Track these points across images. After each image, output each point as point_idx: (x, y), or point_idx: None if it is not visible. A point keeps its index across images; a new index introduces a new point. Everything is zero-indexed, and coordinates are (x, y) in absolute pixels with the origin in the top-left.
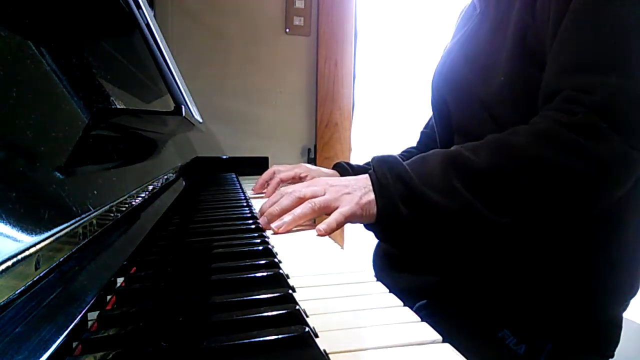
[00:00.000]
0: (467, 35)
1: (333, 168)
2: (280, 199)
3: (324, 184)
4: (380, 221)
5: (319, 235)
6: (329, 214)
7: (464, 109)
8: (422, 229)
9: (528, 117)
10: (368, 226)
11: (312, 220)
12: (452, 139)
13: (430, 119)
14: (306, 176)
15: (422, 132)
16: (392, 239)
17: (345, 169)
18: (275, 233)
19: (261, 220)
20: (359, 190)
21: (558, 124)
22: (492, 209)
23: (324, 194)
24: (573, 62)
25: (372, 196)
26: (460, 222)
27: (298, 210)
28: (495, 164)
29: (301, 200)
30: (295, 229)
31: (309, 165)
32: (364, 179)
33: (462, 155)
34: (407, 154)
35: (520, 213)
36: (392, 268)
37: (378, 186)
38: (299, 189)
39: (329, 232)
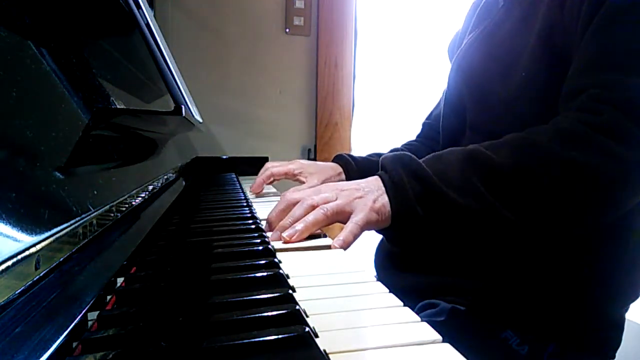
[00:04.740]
0: (488, 30)
1: (334, 160)
2: (293, 210)
3: (333, 188)
4: (395, 224)
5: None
6: (341, 221)
7: (481, 104)
8: (438, 230)
9: (547, 115)
10: (379, 230)
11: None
12: (462, 134)
13: (434, 109)
14: (300, 173)
15: (424, 123)
16: (405, 242)
17: (347, 161)
18: (286, 242)
19: (272, 235)
20: (372, 193)
21: (582, 123)
22: (513, 210)
23: (336, 199)
24: (599, 60)
25: (386, 198)
26: (479, 222)
27: (310, 217)
28: (518, 163)
29: (312, 208)
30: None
31: (304, 161)
32: (375, 181)
33: (482, 154)
34: (409, 147)
35: (543, 215)
36: (395, 267)
37: (391, 186)
38: (309, 196)
39: (347, 247)
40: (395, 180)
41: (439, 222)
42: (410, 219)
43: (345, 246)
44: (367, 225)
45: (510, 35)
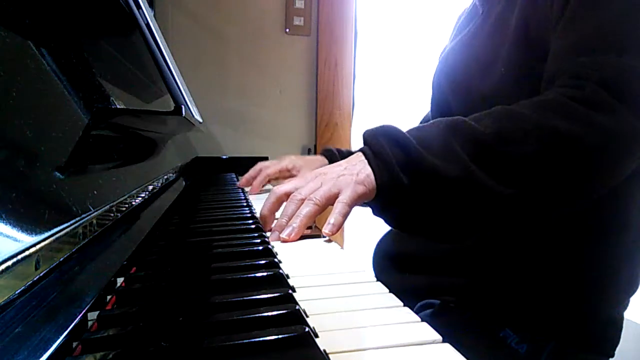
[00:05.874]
0: (469, 35)
1: (321, 154)
2: (285, 208)
3: (316, 175)
4: (380, 193)
5: (328, 238)
6: (333, 204)
7: (465, 104)
8: (423, 198)
9: None
10: (367, 203)
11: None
12: None
13: (427, 115)
14: (293, 167)
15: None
16: (393, 213)
17: (332, 154)
18: (285, 241)
19: (272, 236)
20: (354, 168)
21: (565, 96)
22: (495, 178)
23: (321, 186)
24: (578, 43)
25: (369, 169)
26: (461, 190)
27: (303, 211)
28: (500, 131)
29: (302, 202)
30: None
31: (294, 157)
32: (356, 156)
33: (464, 122)
34: None
35: (525, 184)
36: (392, 268)
37: (373, 157)
38: (297, 190)
39: (338, 229)
40: (377, 150)
41: (423, 190)
42: (395, 188)
43: (336, 229)
44: (355, 201)
45: (489, 35)
